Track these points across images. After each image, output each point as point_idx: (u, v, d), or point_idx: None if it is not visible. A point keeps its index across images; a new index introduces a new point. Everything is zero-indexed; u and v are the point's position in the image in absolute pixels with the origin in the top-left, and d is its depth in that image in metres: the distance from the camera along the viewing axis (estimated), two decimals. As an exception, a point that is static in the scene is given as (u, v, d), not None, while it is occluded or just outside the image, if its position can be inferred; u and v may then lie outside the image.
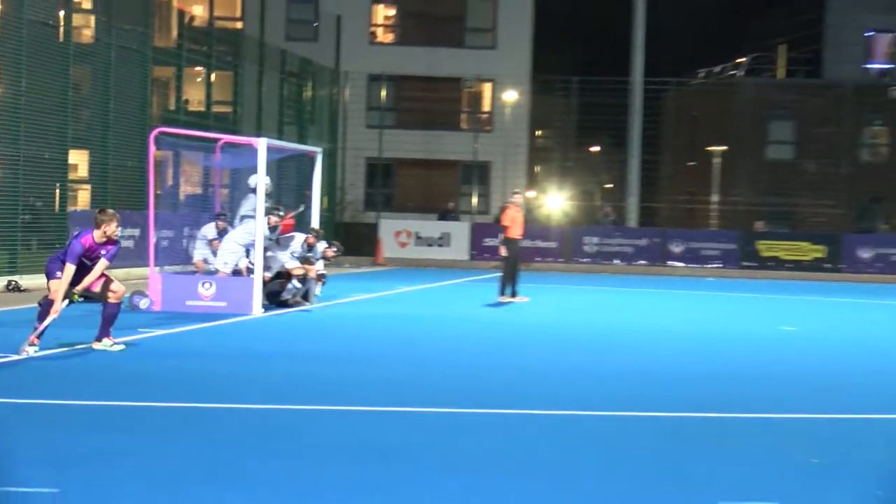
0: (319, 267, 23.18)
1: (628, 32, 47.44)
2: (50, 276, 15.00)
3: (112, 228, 15.27)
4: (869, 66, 60.74)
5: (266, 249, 21.69)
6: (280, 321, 20.29)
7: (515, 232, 25.96)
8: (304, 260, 22.60)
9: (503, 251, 25.82)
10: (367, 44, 54.50)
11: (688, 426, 11.43)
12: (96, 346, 15.24)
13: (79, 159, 32.51)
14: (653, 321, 22.71)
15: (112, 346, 15.24)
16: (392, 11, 56.34)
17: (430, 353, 16.89)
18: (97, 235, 15.13)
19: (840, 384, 14.68)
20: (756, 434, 11.11)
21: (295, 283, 22.25)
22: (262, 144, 21.87)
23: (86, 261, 15.03)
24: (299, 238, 22.59)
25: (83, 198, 33.00)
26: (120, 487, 8.15)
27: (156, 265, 22.02)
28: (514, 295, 25.78)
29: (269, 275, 21.90)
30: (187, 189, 34.52)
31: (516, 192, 28.11)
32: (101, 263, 15.05)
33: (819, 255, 43.32)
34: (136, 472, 8.64)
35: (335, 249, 23.50)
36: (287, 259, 22.27)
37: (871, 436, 11.27)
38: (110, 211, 15.58)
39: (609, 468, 9.28)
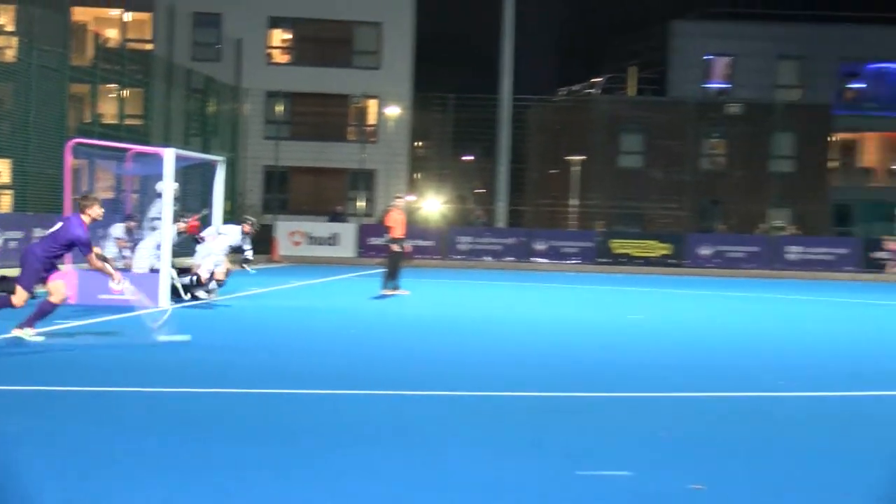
0: (249, 255, 23.25)
1: (499, 53, 47.61)
2: (33, 276, 14.59)
3: (97, 211, 14.94)
4: (708, 85, 61.55)
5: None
6: (186, 313, 20.04)
7: (398, 232, 25.97)
8: (237, 249, 22.71)
9: (396, 248, 25.79)
10: (265, 64, 54.19)
11: (549, 404, 11.45)
12: (16, 332, 14.72)
13: (1, 167, 31.92)
14: (519, 311, 22.77)
15: (33, 335, 14.88)
16: (288, 35, 56.10)
17: (324, 341, 16.76)
18: (87, 220, 14.79)
19: (677, 366, 14.84)
20: (607, 410, 11.18)
21: (214, 284, 22.21)
22: (169, 154, 21.59)
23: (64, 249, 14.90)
24: (234, 229, 22.63)
25: (5, 202, 32.40)
26: (26, 466, 7.96)
27: (72, 262, 21.62)
28: (396, 288, 25.76)
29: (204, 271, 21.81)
30: (101, 194, 34.00)
31: (398, 197, 28.23)
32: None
33: (665, 251, 43.82)
34: (42, 451, 8.45)
35: (251, 223, 23.50)
36: (209, 257, 22.23)
37: (702, 411, 11.38)
38: (91, 195, 15.38)
39: (478, 441, 9.27)
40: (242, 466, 8.10)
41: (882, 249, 33.09)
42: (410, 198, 55.60)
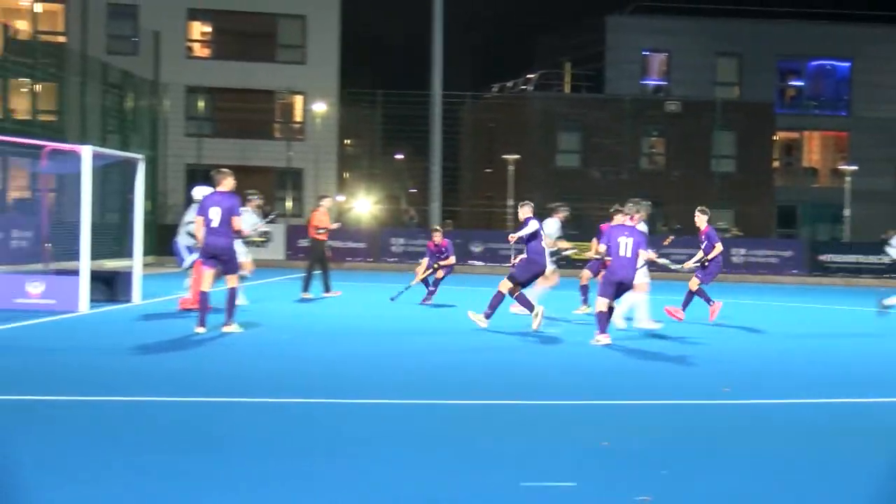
0: None
1: (428, 49, 47.60)
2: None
3: (230, 182, 16.99)
4: (646, 82, 62.00)
5: None
6: (106, 318, 19.84)
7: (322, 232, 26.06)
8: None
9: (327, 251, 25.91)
10: (185, 58, 53.90)
11: (491, 412, 11.46)
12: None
13: None
14: (452, 316, 22.72)
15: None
16: (208, 28, 55.84)
17: (246, 345, 16.65)
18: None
19: (615, 372, 14.91)
20: (547, 420, 11.21)
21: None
22: (86, 151, 21.41)
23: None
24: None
25: None
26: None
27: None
28: (327, 290, 25.81)
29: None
30: (15, 193, 33.64)
31: (324, 196, 28.22)
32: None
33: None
34: (29, 464, 8.38)
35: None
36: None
37: (646, 420, 11.45)
38: (224, 169, 17.57)
39: (414, 450, 9.26)
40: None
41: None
42: (339, 198, 55.50)
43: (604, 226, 21.17)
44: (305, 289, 25.79)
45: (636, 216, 18.62)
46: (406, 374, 13.99)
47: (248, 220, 21.70)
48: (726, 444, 10.06)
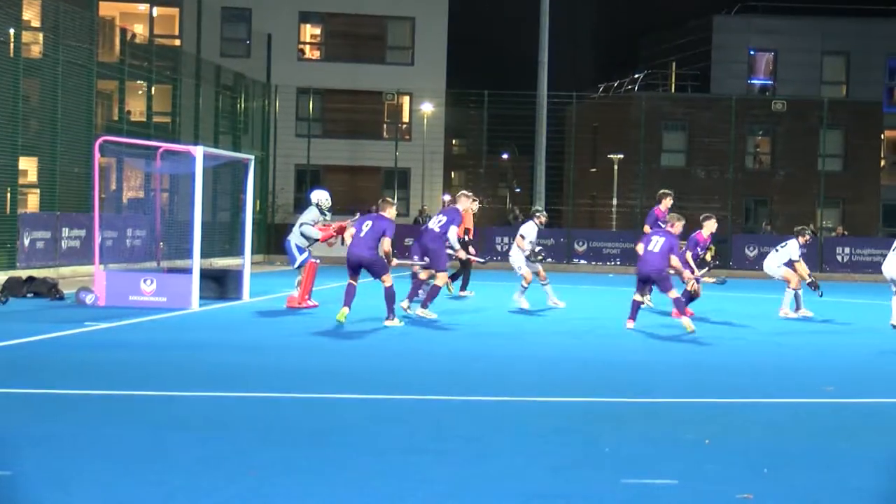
0: None
1: (535, 50, 47.49)
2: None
3: (392, 211, 18.78)
4: (752, 81, 61.32)
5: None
6: (216, 314, 20.05)
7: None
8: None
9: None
10: (296, 60, 54.37)
11: (591, 410, 11.39)
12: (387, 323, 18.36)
13: (28, 165, 32.09)
14: (564, 313, 22.61)
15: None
16: (318, 30, 56.25)
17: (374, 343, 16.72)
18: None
19: (720, 368, 14.76)
20: (651, 418, 11.12)
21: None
22: (199, 152, 21.62)
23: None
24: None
25: (32, 201, 32.58)
26: (69, 469, 7.99)
27: (100, 263, 21.71)
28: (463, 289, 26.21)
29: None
30: (130, 193, 34.15)
31: (467, 196, 27.36)
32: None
33: (710, 253, 43.43)
34: (84, 454, 8.49)
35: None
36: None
37: (749, 418, 11.31)
38: (389, 199, 19.19)
39: (520, 449, 9.23)
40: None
41: None
42: (445, 197, 55.62)
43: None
44: (464, 287, 26.15)
45: (676, 223, 19.81)
46: (518, 372, 13.97)
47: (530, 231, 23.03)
48: (830, 440, 9.90)
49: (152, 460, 8.37)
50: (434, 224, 21.25)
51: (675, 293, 19.12)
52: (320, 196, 21.77)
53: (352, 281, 18.68)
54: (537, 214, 23.83)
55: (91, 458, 8.41)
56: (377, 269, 18.53)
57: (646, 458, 9.04)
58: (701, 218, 22.60)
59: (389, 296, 18.54)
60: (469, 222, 25.39)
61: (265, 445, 9.01)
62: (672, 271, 19.42)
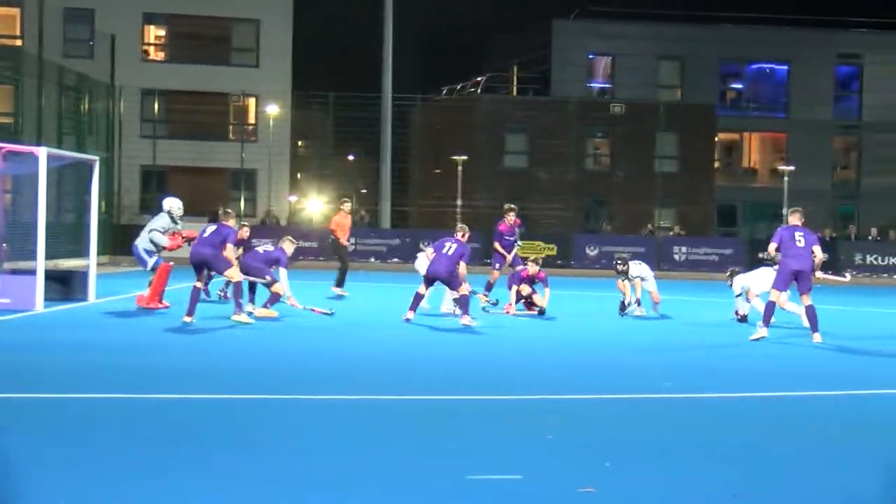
0: None
1: (379, 52, 47.61)
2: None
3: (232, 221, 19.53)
4: (591, 84, 62.24)
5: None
6: (61, 315, 19.77)
7: (342, 235, 27.38)
8: None
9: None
10: (140, 61, 53.68)
11: (443, 407, 11.55)
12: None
13: None
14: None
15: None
16: (162, 31, 55.67)
17: (212, 340, 16.65)
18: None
19: (570, 366, 15.04)
20: (497, 413, 11.32)
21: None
22: (42, 153, 21.33)
23: None
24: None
25: None
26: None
27: (-58, 266, 21.23)
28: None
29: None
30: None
31: (345, 201, 28.88)
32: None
33: (551, 252, 44.11)
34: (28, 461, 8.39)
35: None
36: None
37: (589, 413, 11.58)
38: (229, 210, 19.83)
39: (365, 444, 9.35)
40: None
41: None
42: (291, 198, 55.43)
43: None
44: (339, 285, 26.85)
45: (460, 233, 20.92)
46: (357, 369, 14.06)
47: None
48: (675, 435, 10.20)
49: None
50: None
51: (465, 289, 19.90)
52: (172, 204, 21.95)
53: (197, 284, 19.14)
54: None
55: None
56: (218, 265, 19.08)
57: (489, 453, 9.21)
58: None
59: (237, 291, 19.29)
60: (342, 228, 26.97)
61: (123, 447, 8.98)
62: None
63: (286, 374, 13.53)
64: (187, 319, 18.68)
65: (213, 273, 19.88)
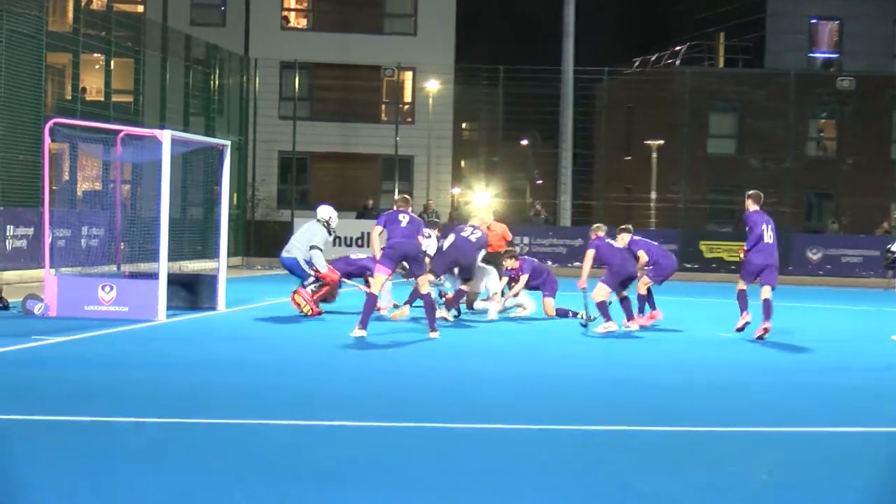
0: None
1: (557, 19, 47.35)
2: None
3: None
4: (813, 55, 61.25)
5: None
6: (185, 327, 19.94)
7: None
8: None
9: None
10: (279, 29, 54.33)
11: (631, 439, 11.29)
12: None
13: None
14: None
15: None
16: (305, -6, 56.23)
17: (344, 360, 16.62)
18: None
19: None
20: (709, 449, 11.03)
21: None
22: (166, 137, 21.54)
23: None
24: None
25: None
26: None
27: (51, 267, 21.59)
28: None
29: None
30: (85, 185, 34.05)
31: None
32: None
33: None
34: (30, 489, 8.41)
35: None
36: None
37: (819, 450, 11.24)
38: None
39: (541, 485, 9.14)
40: None
41: None
42: (454, 190, 55.61)
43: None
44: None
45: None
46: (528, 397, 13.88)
47: None
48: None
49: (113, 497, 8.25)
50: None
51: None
52: (332, 214, 22.81)
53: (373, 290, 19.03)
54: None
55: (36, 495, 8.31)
56: (420, 265, 19.10)
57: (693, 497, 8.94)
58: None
59: (428, 304, 19.27)
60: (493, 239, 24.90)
61: (240, 480, 8.93)
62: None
63: (466, 400, 13.40)
64: (360, 333, 18.28)
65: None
